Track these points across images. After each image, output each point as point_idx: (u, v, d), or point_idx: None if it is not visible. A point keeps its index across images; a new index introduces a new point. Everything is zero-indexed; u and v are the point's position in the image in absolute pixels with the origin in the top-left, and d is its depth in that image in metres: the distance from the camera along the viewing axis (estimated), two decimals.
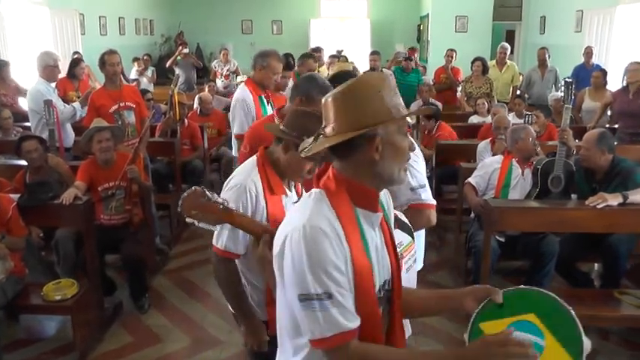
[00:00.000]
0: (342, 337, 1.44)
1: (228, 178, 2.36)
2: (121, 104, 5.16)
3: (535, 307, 1.52)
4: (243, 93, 4.17)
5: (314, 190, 1.56)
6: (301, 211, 1.51)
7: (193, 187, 1.96)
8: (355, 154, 1.49)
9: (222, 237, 2.28)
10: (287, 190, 2.35)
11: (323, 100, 1.54)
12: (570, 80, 4.47)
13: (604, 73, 7.15)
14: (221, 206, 1.93)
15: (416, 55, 11.17)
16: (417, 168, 2.55)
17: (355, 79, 1.52)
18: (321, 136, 1.54)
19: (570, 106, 4.39)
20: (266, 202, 2.25)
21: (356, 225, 1.52)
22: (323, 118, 1.55)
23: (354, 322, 1.46)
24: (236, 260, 2.35)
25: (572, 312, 1.48)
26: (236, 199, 2.22)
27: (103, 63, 5.10)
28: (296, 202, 1.54)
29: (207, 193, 1.91)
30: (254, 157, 2.36)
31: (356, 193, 1.54)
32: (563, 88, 4.58)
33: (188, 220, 1.91)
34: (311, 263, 1.42)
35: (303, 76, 3.17)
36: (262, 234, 1.97)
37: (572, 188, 4.25)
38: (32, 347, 3.98)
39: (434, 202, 2.56)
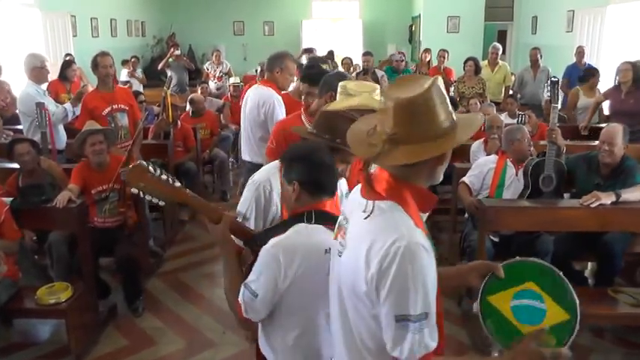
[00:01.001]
0: (428, 357, 1.45)
1: (252, 175, 2.49)
2: (114, 106, 5.14)
3: (531, 275, 1.72)
4: (270, 93, 4.22)
5: (383, 203, 1.51)
6: (390, 227, 1.46)
7: (138, 162, 2.05)
8: (426, 162, 1.50)
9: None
10: None
11: (383, 105, 1.50)
12: (556, 80, 4.49)
13: (596, 71, 7.20)
14: (169, 183, 2.00)
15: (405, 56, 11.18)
16: None
17: (423, 88, 1.46)
18: (386, 142, 1.48)
19: (558, 106, 4.41)
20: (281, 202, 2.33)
21: (427, 232, 1.52)
22: (382, 122, 1.51)
23: (436, 340, 1.47)
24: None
25: (560, 273, 1.74)
26: (249, 195, 2.35)
27: (95, 65, 5.07)
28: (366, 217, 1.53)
29: (150, 169, 1.96)
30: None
31: (420, 197, 1.55)
32: (549, 87, 4.59)
33: (133, 190, 1.98)
34: (415, 283, 1.40)
35: (333, 73, 3.41)
36: (217, 216, 2.05)
37: (564, 187, 4.27)
38: (26, 351, 3.95)
39: None
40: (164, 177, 1.99)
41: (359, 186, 1.69)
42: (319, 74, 3.47)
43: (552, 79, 4.57)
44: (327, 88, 3.14)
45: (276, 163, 2.40)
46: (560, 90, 8.22)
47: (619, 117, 5.81)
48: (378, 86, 3.02)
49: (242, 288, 1.92)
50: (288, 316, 1.95)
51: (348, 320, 1.59)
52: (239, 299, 1.94)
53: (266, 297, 1.89)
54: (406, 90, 1.47)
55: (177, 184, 2.04)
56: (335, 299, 1.66)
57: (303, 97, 3.52)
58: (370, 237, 1.47)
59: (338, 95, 2.95)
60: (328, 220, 1.93)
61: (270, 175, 2.38)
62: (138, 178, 1.96)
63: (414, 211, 1.51)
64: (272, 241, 1.90)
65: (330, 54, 10.15)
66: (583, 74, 7.43)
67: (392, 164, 1.50)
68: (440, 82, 1.49)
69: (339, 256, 1.63)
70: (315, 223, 1.93)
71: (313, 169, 1.96)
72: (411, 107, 1.45)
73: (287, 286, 1.88)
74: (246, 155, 4.41)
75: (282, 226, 1.97)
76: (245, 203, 2.38)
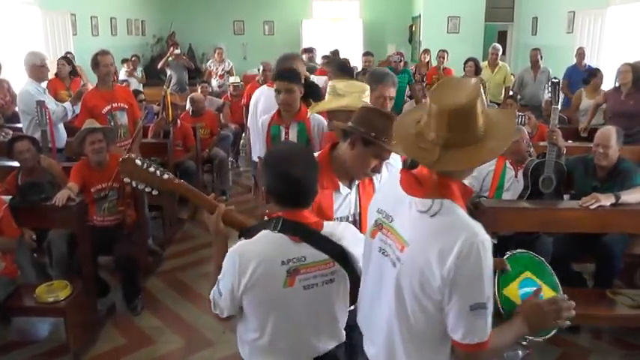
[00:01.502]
0: (489, 339, 1.60)
1: None
2: (114, 105, 5.13)
3: (525, 265, 1.98)
4: None
5: (446, 202, 1.61)
6: (460, 224, 1.58)
7: (127, 154, 2.20)
8: None
9: None
10: (343, 186, 2.45)
11: (436, 109, 1.56)
12: (557, 81, 4.48)
13: (600, 73, 7.21)
14: (163, 176, 2.14)
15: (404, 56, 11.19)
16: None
17: (474, 93, 1.55)
18: (440, 147, 1.56)
19: (558, 107, 4.41)
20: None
21: None
22: (429, 125, 1.59)
23: None
24: None
25: (544, 260, 2.04)
26: None
27: (96, 64, 5.06)
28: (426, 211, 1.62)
29: (137, 161, 2.12)
30: (316, 154, 2.46)
31: (464, 192, 1.69)
32: (550, 88, 4.59)
33: (126, 179, 2.16)
34: (486, 274, 1.55)
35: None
36: (211, 206, 2.13)
37: (564, 188, 4.26)
38: (25, 349, 3.96)
39: None
40: (152, 169, 2.11)
41: (392, 182, 1.78)
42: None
43: (553, 79, 4.56)
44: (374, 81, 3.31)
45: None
46: (560, 91, 8.28)
47: (618, 118, 5.82)
48: (367, 87, 3.03)
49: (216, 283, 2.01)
50: (249, 318, 2.01)
51: (405, 314, 1.66)
52: (210, 293, 2.04)
53: (227, 298, 1.96)
54: (455, 95, 1.55)
55: (167, 176, 2.14)
56: (388, 297, 1.71)
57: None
58: (442, 234, 1.57)
59: (327, 95, 2.98)
60: (296, 231, 1.92)
61: None
62: (128, 169, 2.13)
63: (464, 207, 1.64)
64: (236, 245, 1.95)
65: (336, 53, 10.13)
66: (586, 76, 7.45)
67: (454, 169, 1.61)
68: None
69: (385, 254, 1.73)
70: (279, 232, 1.91)
71: (277, 180, 1.93)
72: (465, 112, 1.54)
73: (241, 293, 1.92)
74: (255, 155, 4.41)
75: (264, 224, 1.98)
76: None
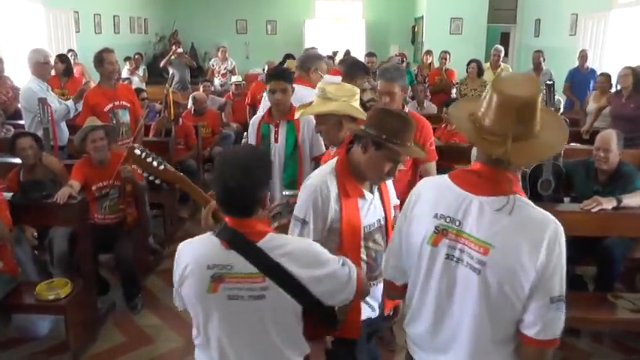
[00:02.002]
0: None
1: (307, 178, 2.47)
2: (116, 103, 5.11)
3: None
4: (313, 92, 4.33)
5: (513, 197, 1.62)
6: (539, 215, 1.63)
7: (130, 145, 2.30)
8: None
9: (293, 235, 2.35)
10: (366, 193, 2.37)
11: (502, 101, 1.57)
12: (551, 83, 4.48)
13: (609, 77, 7.21)
14: (160, 166, 2.21)
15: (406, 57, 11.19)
16: None
17: (536, 87, 1.60)
18: (509, 140, 1.56)
19: (552, 109, 4.40)
20: (340, 205, 2.30)
21: None
22: (490, 117, 1.60)
23: None
24: None
25: None
26: (307, 199, 2.31)
27: (100, 61, 5.04)
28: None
29: (137, 152, 2.19)
30: (333, 159, 2.42)
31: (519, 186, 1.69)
32: (545, 90, 4.59)
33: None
34: (564, 265, 1.60)
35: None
36: (205, 201, 2.11)
37: (563, 191, 4.26)
38: (25, 346, 3.96)
39: None
40: (149, 159, 2.19)
41: (434, 184, 1.78)
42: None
43: (547, 82, 4.57)
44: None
45: (332, 164, 2.40)
46: (563, 94, 8.28)
47: (619, 122, 5.81)
48: (358, 90, 3.00)
49: None
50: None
51: (491, 317, 1.65)
52: None
53: (175, 290, 1.96)
54: (521, 87, 1.57)
55: (163, 167, 2.22)
56: (469, 302, 1.68)
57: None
58: (528, 229, 1.59)
59: (316, 98, 2.92)
60: (229, 238, 1.84)
61: (326, 177, 2.34)
62: (133, 158, 2.20)
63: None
64: (185, 241, 1.95)
65: (348, 53, 10.15)
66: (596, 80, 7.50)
67: (528, 162, 1.64)
68: None
69: (457, 261, 1.69)
70: (217, 236, 1.86)
71: (216, 186, 1.86)
72: (531, 105, 1.57)
73: (178, 287, 1.91)
74: None
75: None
76: (302, 208, 2.32)
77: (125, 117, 5.21)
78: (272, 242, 1.83)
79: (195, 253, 1.88)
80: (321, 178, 2.33)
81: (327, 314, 1.97)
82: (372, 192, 2.40)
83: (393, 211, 2.55)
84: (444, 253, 1.70)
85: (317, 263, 1.85)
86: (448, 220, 1.68)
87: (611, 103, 6.28)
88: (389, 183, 2.52)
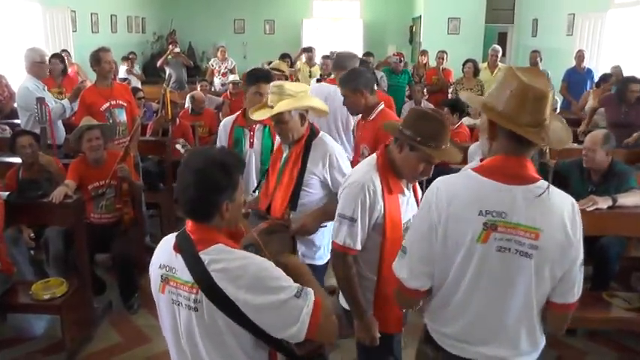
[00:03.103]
0: None
1: (346, 177, 2.50)
2: (112, 102, 5.12)
3: None
4: None
5: (544, 182, 1.77)
6: (563, 192, 1.82)
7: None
8: None
9: (341, 233, 2.36)
10: (405, 190, 2.43)
11: (535, 93, 1.69)
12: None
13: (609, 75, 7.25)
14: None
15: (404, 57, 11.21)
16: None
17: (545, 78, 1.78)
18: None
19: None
20: (384, 202, 2.35)
21: None
22: (537, 110, 1.70)
23: None
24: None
25: None
26: (354, 196, 2.32)
27: (97, 60, 5.04)
28: None
29: None
30: (372, 156, 2.45)
31: None
32: None
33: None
34: None
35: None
36: None
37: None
38: (20, 346, 3.95)
39: None
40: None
41: (465, 183, 1.80)
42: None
43: None
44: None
45: (371, 161, 2.43)
46: (560, 94, 8.29)
47: (617, 129, 5.80)
48: (308, 87, 2.99)
49: None
50: None
51: (541, 296, 1.82)
52: None
53: None
54: (543, 81, 1.73)
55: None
56: (522, 287, 1.78)
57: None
58: (561, 206, 1.77)
59: (273, 95, 2.85)
60: (178, 240, 1.79)
61: (370, 174, 2.37)
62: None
63: None
64: None
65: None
66: (598, 80, 7.55)
67: (563, 145, 1.83)
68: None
69: (509, 251, 1.74)
70: (175, 237, 1.82)
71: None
72: (550, 97, 1.73)
73: None
74: None
75: None
76: (350, 206, 2.34)
77: (122, 116, 5.21)
78: (215, 254, 1.70)
79: (159, 250, 1.87)
80: (366, 174, 2.37)
81: (280, 347, 1.80)
82: (408, 188, 2.47)
83: None
84: (495, 247, 1.75)
85: (258, 288, 1.66)
86: (495, 214, 1.73)
87: (608, 109, 6.22)
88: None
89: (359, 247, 2.37)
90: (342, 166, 2.91)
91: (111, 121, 5.05)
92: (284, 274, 1.72)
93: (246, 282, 1.66)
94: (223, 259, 1.69)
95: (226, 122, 3.78)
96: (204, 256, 1.70)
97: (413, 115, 2.32)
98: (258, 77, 3.58)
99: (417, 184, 2.57)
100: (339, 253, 2.39)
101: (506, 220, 1.73)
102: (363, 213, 2.33)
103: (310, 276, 1.89)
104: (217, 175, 1.72)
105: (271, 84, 2.94)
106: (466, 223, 1.75)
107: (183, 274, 1.72)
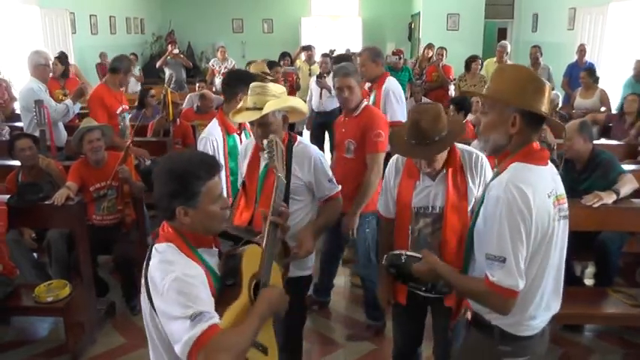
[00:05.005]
0: None
1: None
2: (124, 106, 5.30)
3: None
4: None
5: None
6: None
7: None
8: None
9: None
10: (423, 177, 2.62)
11: (547, 92, 1.97)
12: None
13: (590, 72, 7.20)
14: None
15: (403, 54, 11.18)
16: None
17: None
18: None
19: None
20: (400, 181, 2.68)
21: None
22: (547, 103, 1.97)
23: None
24: None
25: None
26: (388, 167, 2.77)
27: (128, 69, 5.27)
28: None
29: None
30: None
31: None
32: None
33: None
34: None
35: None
36: None
37: None
38: (23, 349, 3.95)
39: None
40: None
41: (534, 172, 1.95)
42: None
43: None
44: None
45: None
46: (561, 88, 8.27)
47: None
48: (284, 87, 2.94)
49: None
50: None
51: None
52: None
53: None
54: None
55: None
56: (565, 243, 2.06)
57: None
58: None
59: (257, 96, 2.72)
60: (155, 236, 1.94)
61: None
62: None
63: None
64: None
65: (332, 52, 10.10)
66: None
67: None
68: None
69: (565, 217, 2.03)
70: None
71: None
72: None
73: None
74: None
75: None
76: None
77: (127, 120, 5.36)
78: (160, 249, 1.82)
79: None
80: (398, 157, 2.73)
81: None
82: (433, 180, 2.60)
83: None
84: (559, 217, 2.00)
85: (166, 293, 1.71)
86: (553, 192, 1.98)
87: (613, 126, 6.21)
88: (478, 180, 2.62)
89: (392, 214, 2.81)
90: (326, 169, 2.86)
91: (122, 124, 5.18)
92: (202, 294, 1.73)
93: (153, 284, 1.77)
94: (157, 257, 1.81)
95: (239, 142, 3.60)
96: (154, 248, 1.85)
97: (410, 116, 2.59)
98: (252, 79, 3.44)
99: (465, 178, 2.60)
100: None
101: (558, 194, 2.00)
102: (386, 182, 2.81)
103: (261, 318, 1.85)
104: (168, 183, 1.82)
105: (251, 85, 2.80)
106: (546, 207, 1.92)
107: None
